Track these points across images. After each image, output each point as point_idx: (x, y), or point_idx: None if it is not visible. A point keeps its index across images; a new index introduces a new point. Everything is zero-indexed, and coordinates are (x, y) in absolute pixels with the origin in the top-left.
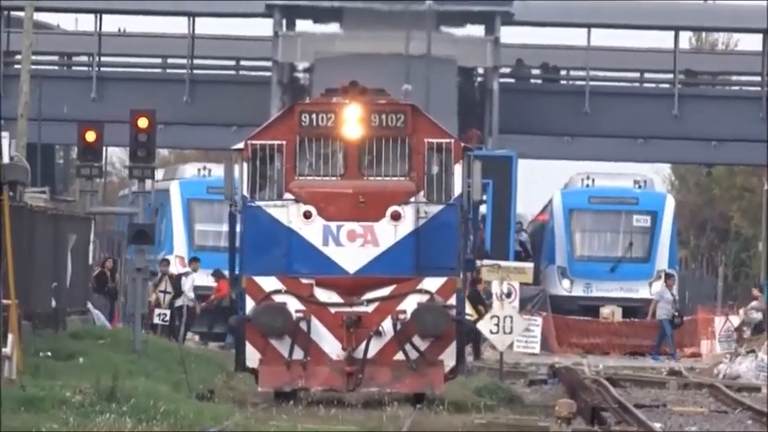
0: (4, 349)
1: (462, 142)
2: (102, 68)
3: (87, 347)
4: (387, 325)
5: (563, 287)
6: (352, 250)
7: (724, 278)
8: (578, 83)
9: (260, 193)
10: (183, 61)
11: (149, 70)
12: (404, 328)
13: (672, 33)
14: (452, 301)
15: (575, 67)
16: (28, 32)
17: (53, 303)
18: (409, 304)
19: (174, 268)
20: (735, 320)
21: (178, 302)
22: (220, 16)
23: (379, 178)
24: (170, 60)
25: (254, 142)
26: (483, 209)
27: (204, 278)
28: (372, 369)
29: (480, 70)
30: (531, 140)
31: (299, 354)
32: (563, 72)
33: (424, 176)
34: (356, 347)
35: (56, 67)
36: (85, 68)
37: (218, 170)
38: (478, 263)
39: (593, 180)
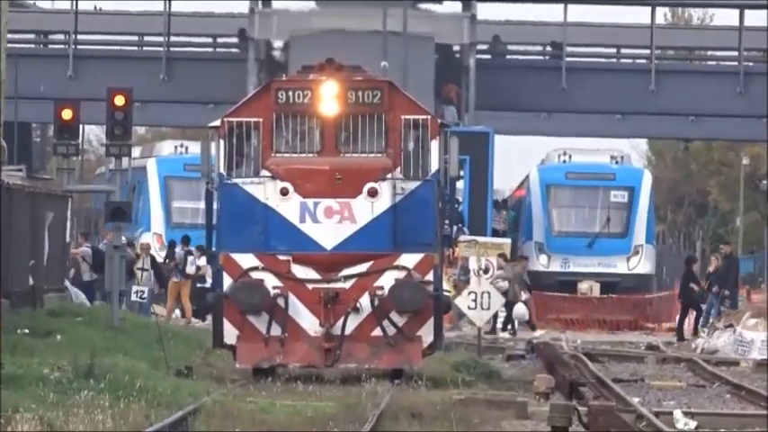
0: None
1: (440, 95)
2: (78, 46)
3: (65, 325)
4: (364, 301)
5: (540, 263)
6: (330, 227)
7: (701, 253)
8: (555, 59)
9: (237, 170)
10: (160, 39)
11: (126, 48)
12: (381, 304)
13: (648, 9)
14: (430, 276)
15: (552, 42)
16: (4, 10)
17: (30, 281)
18: (387, 280)
19: (152, 245)
20: None
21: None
22: None
23: (356, 155)
24: (146, 38)
25: (230, 119)
26: (460, 185)
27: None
28: (350, 345)
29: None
30: (508, 116)
31: (276, 330)
32: (539, 47)
33: (400, 153)
34: (334, 324)
35: (32, 46)
36: (62, 46)
37: (194, 147)
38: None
39: (570, 156)
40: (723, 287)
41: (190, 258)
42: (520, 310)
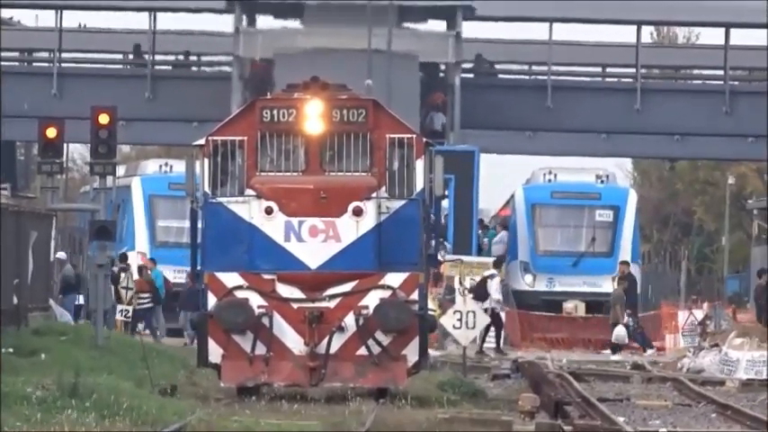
0: None
1: (428, 103)
2: (62, 64)
3: (49, 344)
4: (349, 320)
5: (525, 282)
6: (314, 246)
7: (687, 272)
8: (540, 77)
9: (221, 188)
10: (145, 57)
11: (110, 66)
12: (366, 323)
13: (634, 28)
14: (415, 295)
15: (537, 62)
16: None
17: (15, 300)
18: (372, 299)
19: (135, 264)
20: (698, 314)
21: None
22: (181, 11)
23: (341, 174)
24: (130, 56)
25: (215, 138)
26: (445, 204)
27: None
28: (335, 364)
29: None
30: (494, 135)
31: (261, 349)
32: (525, 66)
33: (385, 172)
34: (319, 343)
35: (16, 63)
36: (46, 64)
37: (179, 166)
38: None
39: (556, 175)
40: (629, 306)
41: (123, 275)
42: (621, 332)
